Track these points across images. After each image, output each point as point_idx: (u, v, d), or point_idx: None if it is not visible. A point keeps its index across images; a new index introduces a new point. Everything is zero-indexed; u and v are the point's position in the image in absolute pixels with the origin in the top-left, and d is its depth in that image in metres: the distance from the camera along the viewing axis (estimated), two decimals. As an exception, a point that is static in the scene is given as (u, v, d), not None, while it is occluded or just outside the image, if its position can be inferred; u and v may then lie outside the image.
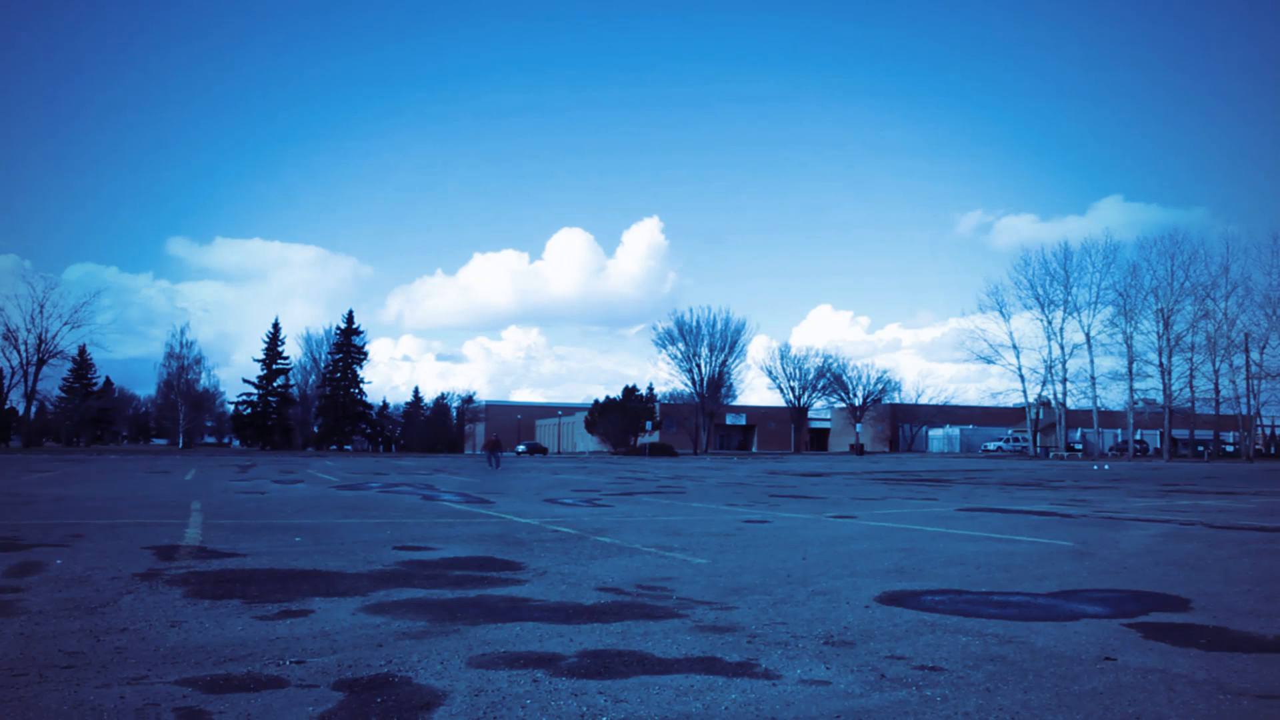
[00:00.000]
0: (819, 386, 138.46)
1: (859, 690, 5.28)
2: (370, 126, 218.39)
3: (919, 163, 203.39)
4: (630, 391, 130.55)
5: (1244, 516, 17.88)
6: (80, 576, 9.11)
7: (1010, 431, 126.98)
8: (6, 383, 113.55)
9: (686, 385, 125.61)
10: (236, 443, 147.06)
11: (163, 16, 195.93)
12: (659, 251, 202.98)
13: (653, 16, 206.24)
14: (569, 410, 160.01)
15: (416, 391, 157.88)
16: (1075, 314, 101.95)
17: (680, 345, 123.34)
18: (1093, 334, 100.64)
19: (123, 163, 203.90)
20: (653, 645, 6.31)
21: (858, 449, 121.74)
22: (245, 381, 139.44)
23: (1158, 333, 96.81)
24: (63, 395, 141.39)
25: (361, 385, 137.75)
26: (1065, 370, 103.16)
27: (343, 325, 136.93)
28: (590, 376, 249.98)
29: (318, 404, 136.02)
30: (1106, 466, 60.88)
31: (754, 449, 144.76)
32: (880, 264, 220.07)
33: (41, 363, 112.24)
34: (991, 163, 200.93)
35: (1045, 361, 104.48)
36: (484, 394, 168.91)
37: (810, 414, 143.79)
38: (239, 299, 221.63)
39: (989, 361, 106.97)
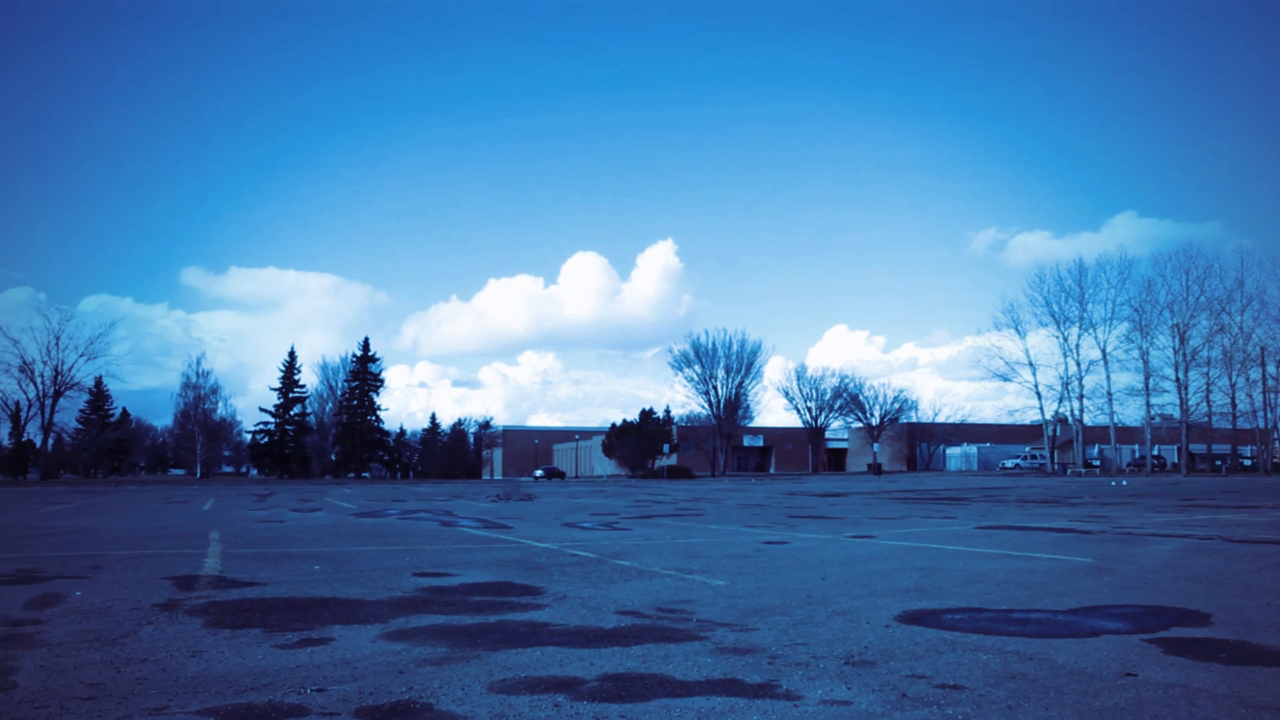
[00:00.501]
0: (835, 407, 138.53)
1: (880, 710, 5.27)
2: (384, 153, 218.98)
3: (932, 181, 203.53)
4: (647, 414, 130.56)
5: (1263, 530, 17.83)
6: (100, 608, 9.13)
7: (1028, 449, 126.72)
8: (23, 415, 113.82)
9: (703, 407, 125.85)
10: (254, 472, 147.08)
11: (177, 48, 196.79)
12: (674, 274, 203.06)
13: (664, 40, 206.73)
14: (586, 434, 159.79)
15: (433, 418, 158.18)
16: (1091, 330, 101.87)
17: (696, 368, 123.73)
18: (1109, 350, 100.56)
19: (137, 194, 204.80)
20: (673, 668, 6.31)
21: (875, 468, 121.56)
22: (262, 410, 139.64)
23: (1174, 348, 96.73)
24: (79, 427, 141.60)
25: (378, 412, 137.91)
26: (1082, 387, 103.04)
27: (358, 353, 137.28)
28: (607, 400, 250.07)
29: (335, 432, 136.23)
30: (1124, 482, 60.74)
31: (771, 470, 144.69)
32: (895, 283, 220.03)
33: (58, 395, 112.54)
34: (1005, 181, 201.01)
35: (1062, 378, 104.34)
36: (501, 419, 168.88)
37: (827, 434, 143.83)
38: (254, 328, 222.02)
39: (1005, 379, 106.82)
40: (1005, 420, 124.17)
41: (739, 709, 5.32)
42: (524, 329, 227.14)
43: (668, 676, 6.07)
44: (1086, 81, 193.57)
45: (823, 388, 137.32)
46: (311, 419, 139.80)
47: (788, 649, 6.93)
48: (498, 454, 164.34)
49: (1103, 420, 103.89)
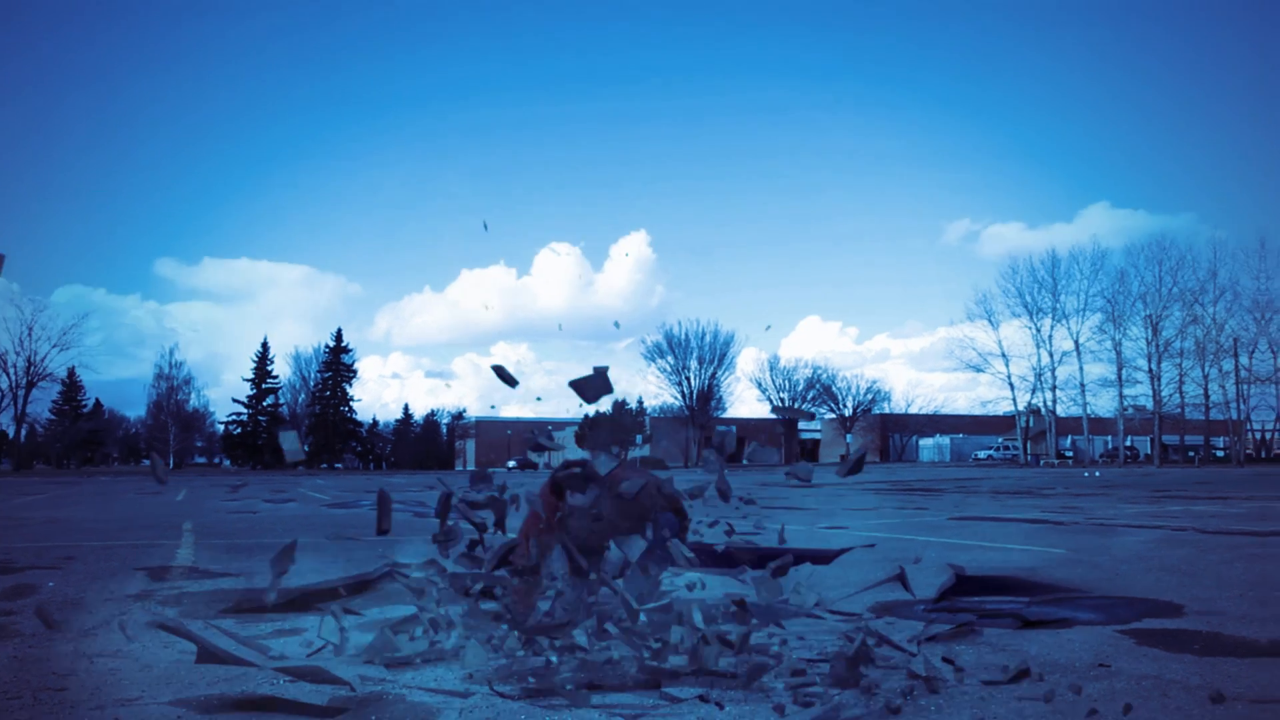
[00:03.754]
0: (809, 398, 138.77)
1: (851, 700, 5.28)
2: (357, 144, 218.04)
3: (906, 171, 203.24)
4: (620, 405, 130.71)
5: (1236, 521, 17.90)
6: (73, 599, 9.10)
7: (1000, 440, 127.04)
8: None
9: (676, 398, 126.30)
10: (227, 463, 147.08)
11: (149, 37, 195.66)
12: (647, 265, 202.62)
13: (638, 30, 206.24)
14: (559, 425, 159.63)
15: (406, 409, 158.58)
16: (1064, 321, 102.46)
17: (669, 358, 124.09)
18: (1082, 341, 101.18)
19: (110, 184, 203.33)
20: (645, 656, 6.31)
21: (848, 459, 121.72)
22: (235, 401, 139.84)
23: (1146, 339, 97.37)
24: (52, 418, 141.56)
25: (351, 403, 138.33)
26: (1055, 378, 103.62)
27: (331, 344, 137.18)
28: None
29: (308, 423, 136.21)
30: (1097, 473, 61.01)
31: (744, 461, 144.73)
32: (868, 274, 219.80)
33: (31, 385, 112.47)
34: (978, 172, 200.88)
35: (1034, 369, 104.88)
36: (474, 410, 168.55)
37: (800, 425, 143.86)
38: (228, 319, 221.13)
39: (978, 370, 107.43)
40: (978, 411, 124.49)
41: (711, 700, 5.33)
42: (497, 320, 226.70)
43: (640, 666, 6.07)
44: (1060, 72, 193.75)
45: (796, 379, 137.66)
46: (285, 410, 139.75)
47: (759, 644, 6.93)
48: (470, 445, 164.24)
49: (1075, 411, 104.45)
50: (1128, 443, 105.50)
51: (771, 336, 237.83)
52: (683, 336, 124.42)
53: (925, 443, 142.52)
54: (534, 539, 7.32)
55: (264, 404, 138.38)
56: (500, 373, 7.43)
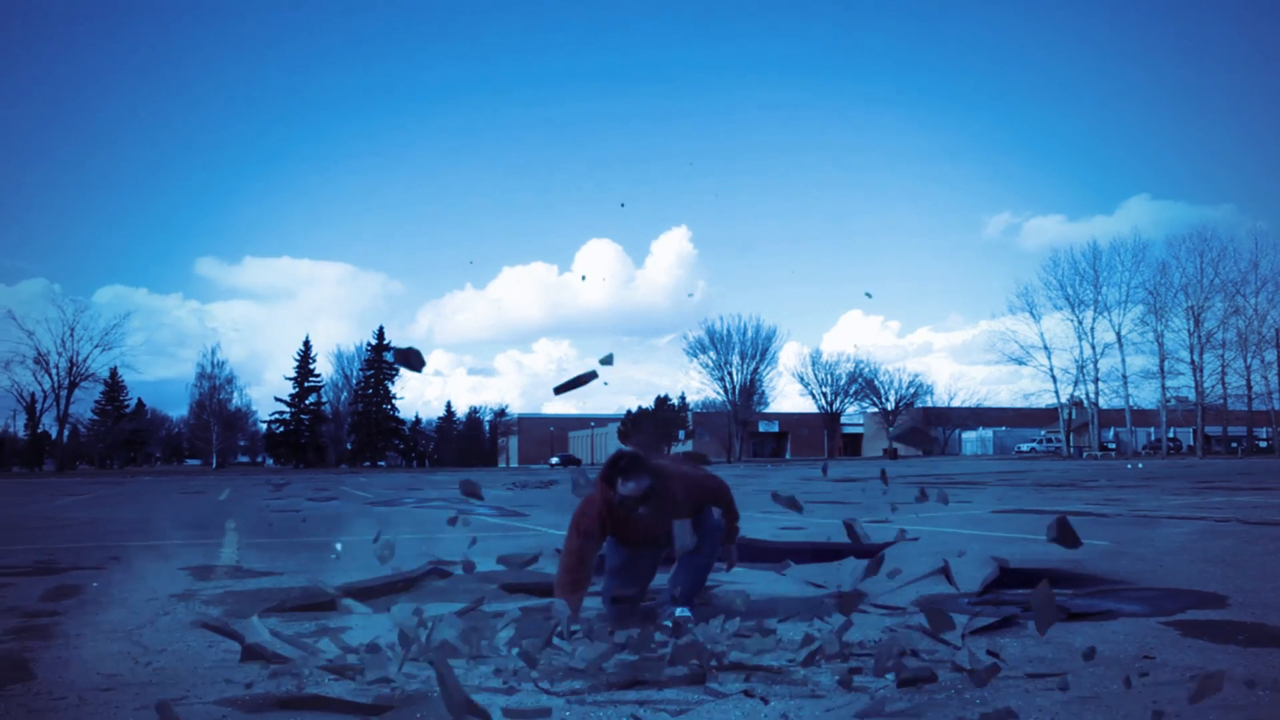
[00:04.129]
0: (851, 392, 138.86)
1: (896, 693, 5.27)
2: (395, 142, 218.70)
3: (943, 167, 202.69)
4: (662, 401, 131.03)
5: (1279, 512, 17.80)
6: (117, 599, 9.13)
7: (1043, 432, 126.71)
8: (39, 407, 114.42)
9: (718, 394, 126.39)
10: (270, 461, 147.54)
11: (188, 38, 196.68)
12: (688, 261, 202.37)
13: (674, 27, 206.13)
14: (601, 421, 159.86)
15: (449, 406, 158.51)
16: (1106, 313, 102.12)
17: (711, 354, 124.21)
18: (1123, 333, 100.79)
19: (150, 185, 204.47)
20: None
21: (891, 453, 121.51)
22: (277, 400, 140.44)
23: (1188, 330, 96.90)
24: (95, 418, 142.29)
25: (394, 401, 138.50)
26: (1097, 370, 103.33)
27: (373, 341, 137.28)
28: (622, 387, 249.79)
29: (350, 421, 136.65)
30: (1140, 465, 60.67)
31: (787, 455, 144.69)
32: (910, 268, 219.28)
33: (73, 386, 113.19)
34: (1017, 166, 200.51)
35: (1076, 361, 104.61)
36: (516, 407, 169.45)
37: (843, 419, 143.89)
38: (269, 318, 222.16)
39: (1020, 363, 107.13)
40: (1020, 404, 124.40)
41: (756, 693, 5.32)
42: (539, 317, 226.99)
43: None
44: (1098, 64, 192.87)
45: (837, 373, 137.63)
46: (327, 408, 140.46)
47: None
48: (513, 442, 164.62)
49: (1118, 403, 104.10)
50: (1170, 434, 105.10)
51: (813, 331, 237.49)
52: (724, 332, 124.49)
53: (968, 436, 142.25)
54: (579, 529, 7.30)
55: (306, 402, 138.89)
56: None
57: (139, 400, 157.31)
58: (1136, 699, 5.00)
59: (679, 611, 7.21)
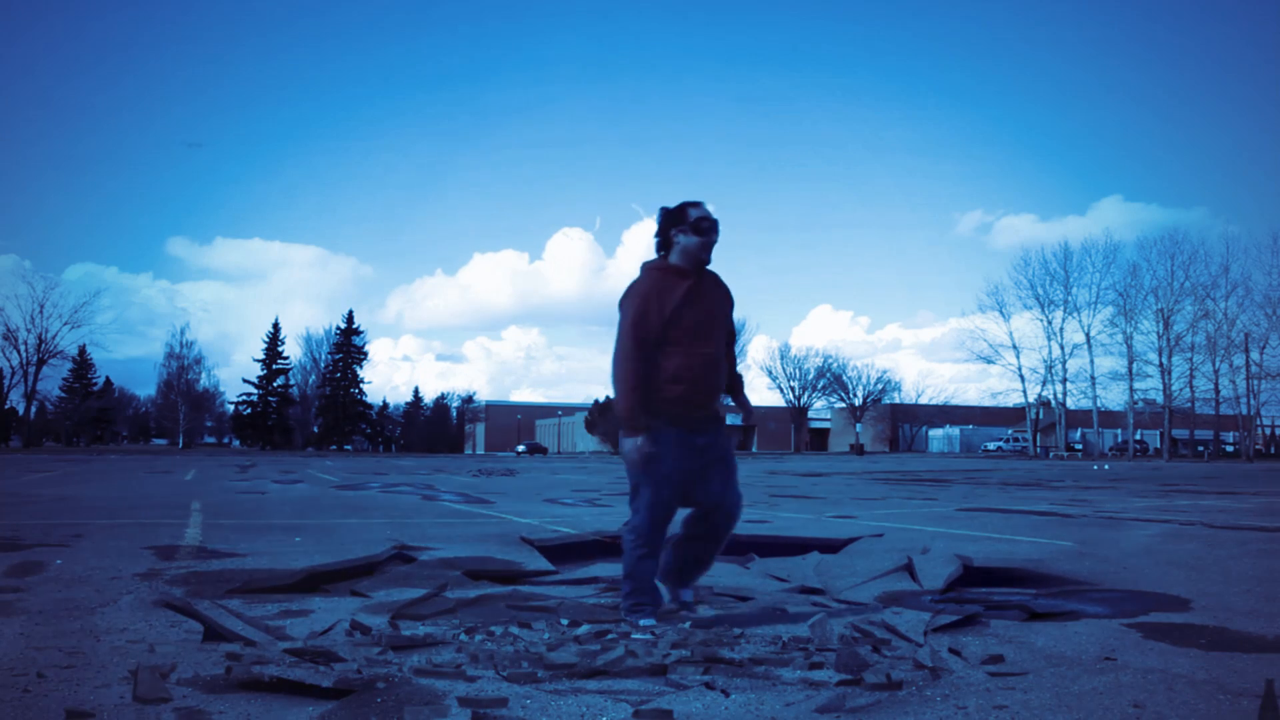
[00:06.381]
0: (819, 386, 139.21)
1: (856, 689, 5.28)
2: (370, 126, 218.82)
3: (919, 162, 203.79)
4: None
5: (1244, 516, 17.86)
6: (80, 577, 9.10)
7: (1010, 431, 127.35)
8: (6, 383, 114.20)
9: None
10: (237, 443, 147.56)
11: (162, 17, 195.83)
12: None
13: (651, 16, 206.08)
14: (569, 410, 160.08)
15: (416, 392, 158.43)
16: (1075, 314, 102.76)
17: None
18: (1093, 334, 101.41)
19: (123, 163, 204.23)
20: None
21: (858, 449, 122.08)
22: (245, 381, 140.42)
23: (1158, 333, 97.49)
24: (63, 395, 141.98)
25: (361, 385, 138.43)
26: (1065, 370, 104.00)
27: (343, 325, 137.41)
28: (590, 376, 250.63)
29: (318, 404, 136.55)
30: (1107, 466, 60.95)
31: (754, 449, 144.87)
32: (880, 264, 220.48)
33: (41, 363, 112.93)
34: (992, 163, 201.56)
35: (1045, 361, 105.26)
36: (484, 394, 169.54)
37: (810, 414, 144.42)
38: (239, 299, 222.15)
39: (989, 361, 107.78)
40: (988, 403, 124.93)
41: (717, 685, 5.33)
42: (508, 304, 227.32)
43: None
44: (1074, 64, 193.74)
45: (806, 367, 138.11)
46: (295, 391, 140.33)
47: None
48: (480, 429, 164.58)
49: (1085, 404, 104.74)
50: (1137, 436, 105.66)
51: (783, 324, 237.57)
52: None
53: (935, 433, 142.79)
54: (635, 335, 7.31)
55: (274, 385, 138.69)
56: None
57: (107, 379, 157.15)
58: (1098, 700, 5.02)
59: (684, 594, 7.29)
